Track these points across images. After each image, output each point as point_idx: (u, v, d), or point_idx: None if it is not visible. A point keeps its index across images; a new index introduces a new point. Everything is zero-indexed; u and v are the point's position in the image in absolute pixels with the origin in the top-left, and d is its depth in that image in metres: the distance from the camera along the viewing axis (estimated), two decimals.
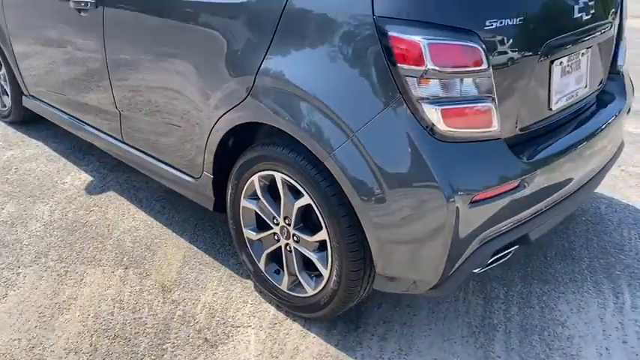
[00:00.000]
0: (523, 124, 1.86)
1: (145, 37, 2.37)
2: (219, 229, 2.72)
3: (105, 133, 2.91)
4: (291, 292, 2.12)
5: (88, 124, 3.04)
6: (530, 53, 1.78)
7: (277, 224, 2.07)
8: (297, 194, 1.94)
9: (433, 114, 1.63)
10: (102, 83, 2.72)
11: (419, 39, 1.58)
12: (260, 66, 1.90)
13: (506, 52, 1.70)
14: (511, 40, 1.71)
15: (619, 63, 2.41)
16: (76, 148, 3.61)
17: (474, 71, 1.63)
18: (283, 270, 2.13)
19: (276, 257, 2.17)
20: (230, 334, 2.08)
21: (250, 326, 2.12)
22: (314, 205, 1.88)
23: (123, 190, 3.09)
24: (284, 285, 2.13)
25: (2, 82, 3.88)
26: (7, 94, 3.86)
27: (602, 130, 2.15)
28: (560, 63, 1.94)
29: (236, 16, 1.98)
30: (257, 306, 2.22)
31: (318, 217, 1.89)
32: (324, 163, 1.78)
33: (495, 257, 1.89)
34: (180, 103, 2.30)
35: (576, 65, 2.04)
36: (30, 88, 3.53)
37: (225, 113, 2.06)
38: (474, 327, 2.11)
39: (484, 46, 1.62)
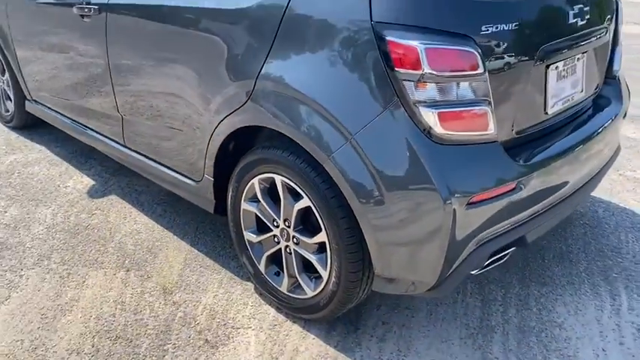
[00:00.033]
0: (519, 127, 1.89)
1: (147, 43, 2.41)
2: (220, 232, 2.74)
3: (107, 137, 2.94)
4: (291, 294, 2.14)
5: (91, 129, 3.07)
6: (526, 58, 1.81)
7: (277, 226, 2.10)
8: (297, 197, 1.97)
9: (430, 117, 1.66)
10: (104, 88, 2.75)
11: (416, 44, 1.61)
12: (260, 70, 1.93)
13: (501, 57, 1.73)
14: (507, 45, 1.74)
15: (615, 68, 2.44)
16: (78, 153, 3.64)
17: (470, 75, 1.66)
18: (283, 272, 2.15)
19: (276, 259, 2.19)
20: (230, 336, 2.10)
21: (250, 327, 2.14)
22: (313, 208, 1.91)
23: (124, 194, 3.12)
24: (284, 287, 2.15)
25: (5, 88, 3.91)
26: (10, 99, 3.89)
27: (598, 133, 2.18)
28: (556, 67, 1.97)
29: (236, 21, 2.01)
30: (257, 308, 2.24)
31: (317, 219, 1.91)
32: (324, 165, 1.80)
33: (493, 259, 1.91)
34: (181, 107, 2.33)
35: (572, 70, 2.07)
36: (33, 93, 3.57)
37: (225, 117, 2.09)
38: (472, 328, 2.14)
39: (480, 51, 1.65)
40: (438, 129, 1.67)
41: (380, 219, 1.76)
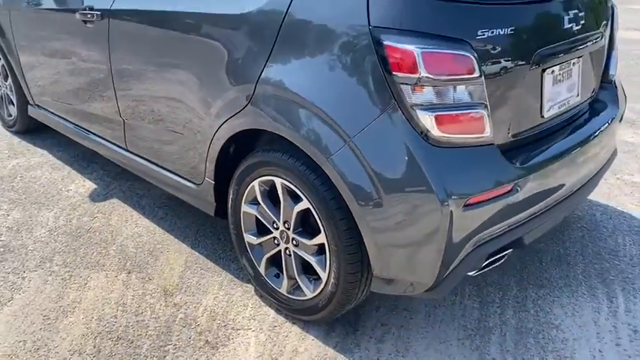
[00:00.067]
0: (516, 130, 1.92)
1: (149, 48, 2.44)
2: (221, 235, 2.77)
3: (109, 141, 2.97)
4: (290, 296, 2.17)
5: (93, 133, 3.10)
6: (522, 62, 1.84)
7: (277, 228, 2.12)
8: (297, 199, 1.99)
9: (427, 120, 1.69)
10: (106, 93, 2.79)
11: (413, 48, 1.64)
12: (260, 74, 1.96)
13: (497, 61, 1.76)
14: (502, 49, 1.77)
15: (611, 72, 2.46)
16: (80, 157, 3.68)
17: (466, 79, 1.69)
18: (283, 274, 2.18)
19: (275, 261, 2.22)
20: (230, 337, 2.12)
21: (250, 329, 2.16)
22: (313, 209, 1.93)
23: (126, 198, 3.15)
24: (283, 288, 2.18)
25: (8, 92, 3.95)
26: (13, 104, 3.93)
27: (594, 137, 2.20)
28: (552, 72, 2.00)
29: (237, 27, 2.04)
30: (257, 309, 2.26)
31: (316, 221, 1.94)
32: (323, 167, 1.83)
33: (490, 260, 1.94)
34: (182, 111, 2.36)
35: (568, 74, 2.10)
36: (36, 98, 3.60)
37: (226, 121, 2.12)
38: (469, 330, 2.16)
39: (476, 55, 1.68)
40: (435, 132, 1.70)
41: (378, 221, 1.79)
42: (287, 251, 2.12)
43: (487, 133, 1.77)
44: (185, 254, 2.63)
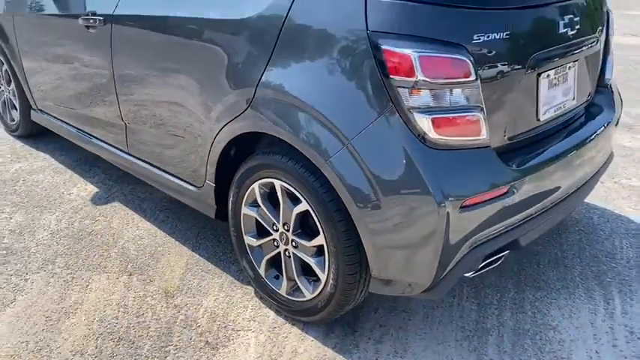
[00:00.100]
0: (512, 133, 1.95)
1: (151, 53, 2.48)
2: (221, 238, 2.80)
3: (111, 145, 3.00)
4: (290, 297, 2.19)
5: (95, 137, 3.13)
6: (517, 66, 1.87)
7: (277, 230, 2.15)
8: (296, 201, 2.02)
9: (424, 123, 1.71)
10: (109, 97, 2.82)
11: (410, 52, 1.67)
12: (260, 79, 1.99)
13: (493, 65, 1.79)
14: (498, 53, 1.80)
15: (607, 76, 2.49)
16: (82, 161, 3.71)
17: (462, 82, 1.72)
18: (282, 275, 2.20)
19: (275, 263, 2.24)
20: (231, 338, 2.15)
21: (250, 330, 2.18)
22: (312, 211, 1.96)
23: (127, 201, 3.18)
24: (283, 290, 2.20)
25: (11, 97, 3.99)
26: (16, 109, 3.97)
27: (590, 140, 2.23)
28: (548, 76, 2.03)
29: (237, 32, 2.08)
30: (257, 311, 2.29)
31: (315, 222, 1.97)
32: (321, 170, 1.86)
33: (487, 262, 1.96)
34: (183, 115, 2.40)
35: (563, 78, 2.13)
36: (38, 103, 3.64)
37: (226, 124, 2.15)
38: (467, 331, 2.18)
39: (472, 59, 1.71)
40: (432, 134, 1.73)
41: (377, 223, 1.81)
42: (286, 253, 2.15)
43: (483, 135, 1.80)
44: (186, 256, 2.65)
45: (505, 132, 1.92)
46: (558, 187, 2.08)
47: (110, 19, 2.63)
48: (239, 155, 2.26)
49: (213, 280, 2.48)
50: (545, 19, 1.97)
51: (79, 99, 3.10)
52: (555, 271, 2.53)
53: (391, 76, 1.70)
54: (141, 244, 2.75)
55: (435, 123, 1.72)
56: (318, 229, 1.97)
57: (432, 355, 2.06)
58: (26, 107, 3.82)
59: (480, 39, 1.74)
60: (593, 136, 2.25)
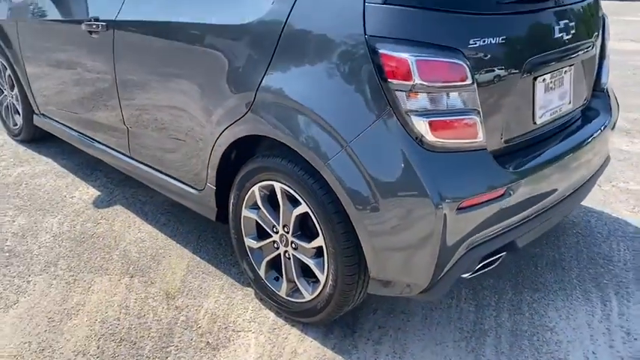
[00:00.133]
0: (508, 136, 1.98)
1: (153, 58, 2.51)
2: (222, 241, 2.82)
3: (113, 149, 3.04)
4: (289, 298, 2.21)
5: (97, 141, 3.17)
6: (513, 70, 1.90)
7: (277, 232, 2.18)
8: (296, 203, 2.05)
9: (422, 125, 1.74)
10: (111, 102, 2.86)
11: (407, 56, 1.71)
12: (260, 83, 2.02)
13: (489, 69, 1.82)
14: (494, 58, 1.83)
15: (603, 81, 2.52)
16: (84, 165, 3.74)
17: (459, 86, 1.75)
18: (282, 277, 2.23)
19: (275, 265, 2.27)
20: (231, 338, 2.17)
21: (250, 331, 2.21)
22: (311, 213, 1.99)
23: (129, 204, 3.21)
24: (283, 291, 2.22)
25: (14, 102, 4.03)
26: (19, 114, 4.01)
27: (586, 143, 2.25)
28: (543, 80, 2.06)
29: (238, 37, 2.11)
30: (257, 312, 2.31)
31: (315, 224, 1.99)
32: (321, 172, 1.89)
33: (484, 263, 1.98)
34: (185, 120, 2.43)
35: (559, 82, 2.16)
36: (41, 107, 3.67)
37: (226, 128, 2.18)
38: (465, 332, 2.20)
39: (468, 63, 1.74)
40: (429, 137, 1.75)
41: (375, 224, 1.84)
42: (286, 254, 2.17)
43: (480, 138, 1.82)
44: (187, 259, 2.68)
45: (502, 135, 1.95)
46: (555, 190, 2.11)
47: (113, 24, 2.66)
48: (239, 158, 2.29)
49: (214, 282, 2.51)
50: (540, 24, 2.01)
51: (82, 103, 3.14)
52: (553, 274, 2.55)
53: (389, 80, 1.73)
54: (142, 247, 2.78)
55: (433, 126, 1.75)
56: (317, 230, 1.99)
57: (431, 355, 2.09)
58: (29, 112, 3.86)
59: (476, 43, 1.77)
60: (589, 140, 2.27)
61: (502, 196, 1.86)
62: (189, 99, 2.36)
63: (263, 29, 2.03)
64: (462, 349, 2.12)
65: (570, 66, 2.20)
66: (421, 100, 1.74)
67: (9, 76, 3.96)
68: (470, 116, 1.79)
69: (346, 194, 1.84)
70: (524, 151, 2.05)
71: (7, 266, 2.64)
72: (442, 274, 1.87)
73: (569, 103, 2.25)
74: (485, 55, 1.80)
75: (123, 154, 2.96)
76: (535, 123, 2.08)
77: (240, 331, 2.21)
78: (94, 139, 3.20)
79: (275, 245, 2.21)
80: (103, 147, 3.11)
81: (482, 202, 1.82)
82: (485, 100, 1.83)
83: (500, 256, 2.03)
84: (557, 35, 2.04)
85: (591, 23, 2.31)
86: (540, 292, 2.42)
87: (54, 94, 3.42)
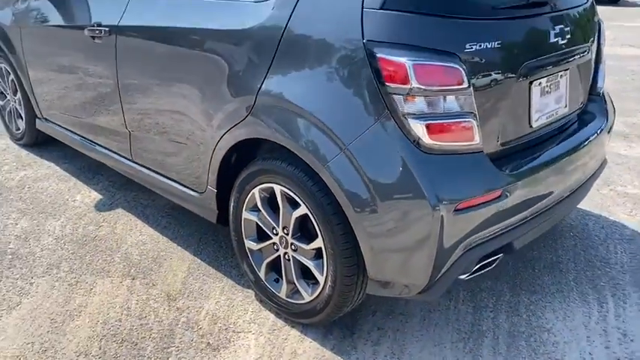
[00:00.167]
0: (504, 139, 2.01)
1: (155, 63, 2.54)
2: (222, 243, 2.85)
3: (115, 152, 3.07)
4: (289, 300, 2.24)
5: (99, 145, 3.20)
6: (509, 74, 1.93)
7: (276, 234, 2.20)
8: (295, 205, 2.08)
9: (419, 128, 1.77)
10: (113, 106, 2.89)
11: (404, 60, 1.74)
12: (260, 87, 2.06)
13: (486, 73, 1.86)
14: (490, 62, 1.86)
15: (599, 85, 2.55)
16: (86, 169, 3.77)
17: (455, 90, 1.78)
18: (282, 278, 2.25)
19: (275, 266, 2.29)
20: (231, 339, 2.19)
21: (251, 332, 2.23)
22: (310, 215, 2.01)
23: (131, 207, 3.24)
24: (283, 292, 2.25)
25: (17, 107, 4.06)
26: (22, 118, 4.04)
27: (582, 147, 2.28)
28: (540, 83, 2.09)
29: (238, 42, 2.14)
30: (257, 313, 2.34)
31: (314, 225, 2.02)
32: (320, 174, 1.92)
33: (481, 264, 2.01)
34: (186, 123, 2.46)
35: (555, 86, 2.19)
36: (44, 112, 3.71)
37: (227, 131, 2.21)
38: (463, 333, 2.22)
39: (465, 67, 1.78)
40: (427, 139, 1.78)
41: (373, 226, 1.86)
42: (286, 256, 2.20)
43: (476, 141, 1.85)
44: (188, 261, 2.71)
45: (498, 138, 1.98)
46: (551, 192, 2.13)
47: (115, 29, 2.70)
48: (240, 161, 2.32)
49: (215, 283, 2.53)
50: (536, 29, 2.04)
51: (84, 108, 3.17)
52: (550, 276, 2.57)
53: (387, 84, 1.76)
54: (144, 249, 2.81)
55: (430, 129, 1.78)
56: (316, 232, 2.02)
57: (429, 356, 2.11)
58: (32, 116, 3.89)
59: (472, 48, 1.80)
60: (585, 143, 2.30)
61: (499, 198, 1.89)
62: (190, 103, 2.39)
63: (263, 34, 2.06)
64: (460, 349, 2.14)
65: (566, 70, 2.23)
66: (418, 104, 1.77)
67: (12, 80, 4.00)
68: (466, 119, 1.82)
69: (345, 196, 1.87)
70: (520, 154, 2.08)
71: (10, 268, 2.67)
72: (440, 275, 1.89)
73: (566, 106, 2.28)
74: (482, 60, 1.84)
75: (125, 157, 3.00)
76: (531, 126, 2.11)
77: (241, 332, 2.23)
78: (96, 143, 3.23)
79: (275, 247, 2.24)
80: (105, 151, 3.14)
81: (479, 204, 1.84)
82: (481, 104, 1.86)
83: (498, 258, 2.06)
84: (553, 40, 2.07)
85: (587, 28, 2.34)
86: (538, 294, 2.44)
87: (56, 99, 3.46)
